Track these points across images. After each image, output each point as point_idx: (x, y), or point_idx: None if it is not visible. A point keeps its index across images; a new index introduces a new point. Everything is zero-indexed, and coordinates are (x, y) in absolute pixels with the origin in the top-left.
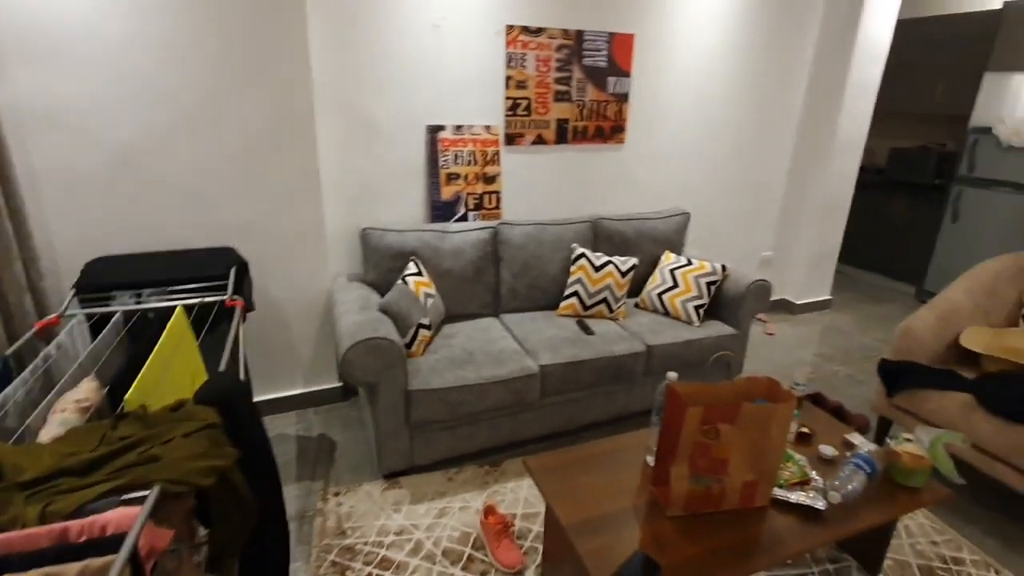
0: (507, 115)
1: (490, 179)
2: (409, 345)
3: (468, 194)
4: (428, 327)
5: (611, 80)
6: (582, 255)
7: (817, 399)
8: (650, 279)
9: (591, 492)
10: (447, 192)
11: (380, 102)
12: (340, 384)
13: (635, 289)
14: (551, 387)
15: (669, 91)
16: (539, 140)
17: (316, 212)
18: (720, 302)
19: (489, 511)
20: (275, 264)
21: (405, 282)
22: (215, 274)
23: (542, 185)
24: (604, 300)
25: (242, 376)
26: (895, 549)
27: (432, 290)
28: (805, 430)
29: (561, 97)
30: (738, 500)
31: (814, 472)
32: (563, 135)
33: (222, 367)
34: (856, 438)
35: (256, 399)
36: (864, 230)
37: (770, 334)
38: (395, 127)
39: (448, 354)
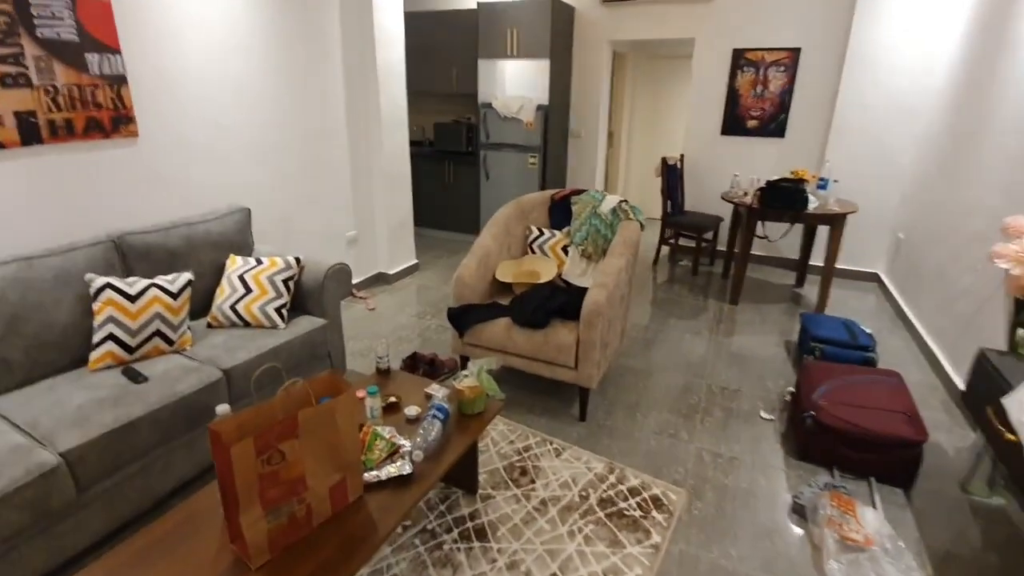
0: None
1: None
2: None
3: None
4: None
5: (92, 58)
6: (106, 286)
7: (414, 357)
8: (218, 291)
9: None
10: None
11: None
12: None
13: (203, 308)
14: (93, 472)
15: (192, 76)
16: None
17: None
18: (304, 295)
19: None
20: None
21: None
22: None
23: (14, 206)
24: (157, 333)
25: None
26: (485, 462)
27: None
28: (393, 399)
29: (13, 82)
30: (330, 507)
31: (403, 438)
32: (32, 133)
33: None
34: (434, 389)
35: None
36: (429, 195)
37: (371, 309)
38: None
39: None
